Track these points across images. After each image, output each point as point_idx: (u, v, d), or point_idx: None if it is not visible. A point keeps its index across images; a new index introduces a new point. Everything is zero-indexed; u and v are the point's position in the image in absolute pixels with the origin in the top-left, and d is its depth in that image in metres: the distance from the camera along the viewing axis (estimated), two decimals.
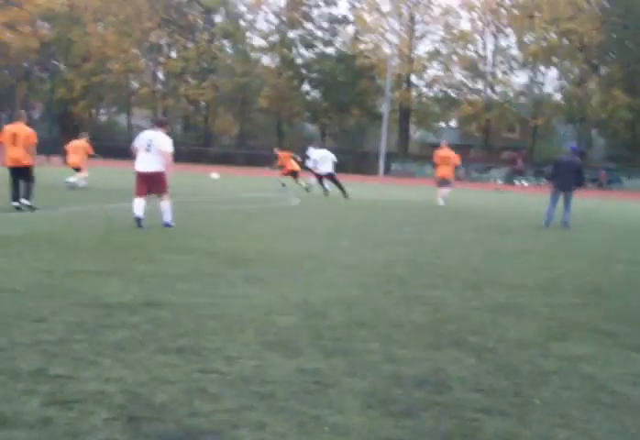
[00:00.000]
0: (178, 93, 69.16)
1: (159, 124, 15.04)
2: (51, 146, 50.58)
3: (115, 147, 68.80)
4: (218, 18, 72.10)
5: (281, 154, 33.96)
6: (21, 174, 16.65)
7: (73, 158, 25.52)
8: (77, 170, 25.33)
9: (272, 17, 70.21)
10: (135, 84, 72.38)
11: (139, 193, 14.03)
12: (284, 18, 68.18)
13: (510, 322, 7.38)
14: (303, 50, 69.16)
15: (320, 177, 28.44)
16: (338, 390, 4.95)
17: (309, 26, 68.52)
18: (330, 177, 27.87)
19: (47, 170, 31.35)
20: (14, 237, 11.35)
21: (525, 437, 4.37)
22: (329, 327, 6.70)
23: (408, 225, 18.08)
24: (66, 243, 11.05)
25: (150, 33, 68.39)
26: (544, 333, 6.98)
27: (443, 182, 26.50)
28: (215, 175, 32.99)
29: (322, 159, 28.17)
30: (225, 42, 72.33)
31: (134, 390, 4.72)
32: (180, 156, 64.07)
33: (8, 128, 17.04)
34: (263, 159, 64.10)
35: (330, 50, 68.35)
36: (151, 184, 14.18)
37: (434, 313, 7.59)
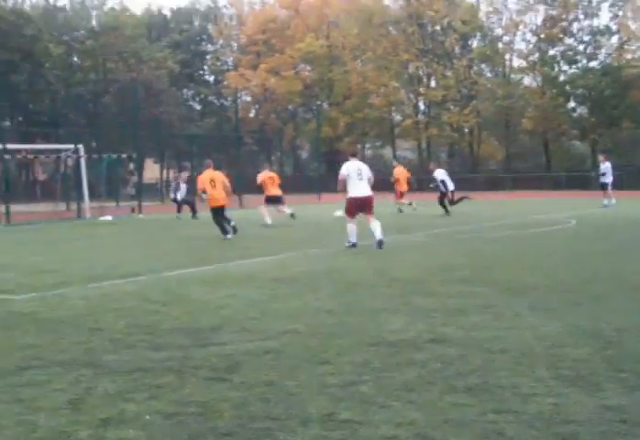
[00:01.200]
0: (441, 122, 69.25)
1: (354, 155, 17.26)
2: (319, 184, 51.81)
3: (382, 180, 69.90)
4: (475, 43, 71.84)
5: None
6: (222, 212, 19.33)
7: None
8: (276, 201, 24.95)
9: (530, 36, 69.05)
10: (397, 117, 73.24)
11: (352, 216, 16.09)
12: (543, 36, 66.74)
13: None
14: (565, 67, 67.33)
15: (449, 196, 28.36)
16: None
17: (570, 41, 66.70)
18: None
19: (319, 208, 32.08)
20: (291, 278, 11.49)
21: None
22: (628, 358, 6.20)
23: None
24: (344, 281, 11.05)
25: (409, 65, 69.13)
26: None
27: None
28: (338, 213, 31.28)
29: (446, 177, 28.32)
30: (483, 66, 71.89)
31: (427, 433, 4.51)
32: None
33: (205, 175, 19.45)
34: (531, 182, 62.86)
35: (594, 64, 66.12)
36: (364, 207, 16.09)
37: None
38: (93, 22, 71.96)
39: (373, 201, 16.25)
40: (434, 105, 70.55)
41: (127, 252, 16.82)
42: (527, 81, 71.01)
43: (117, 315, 8.55)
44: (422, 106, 73.80)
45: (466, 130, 69.47)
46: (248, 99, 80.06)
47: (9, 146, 31.80)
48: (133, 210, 32.82)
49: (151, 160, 67.63)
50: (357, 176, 15.99)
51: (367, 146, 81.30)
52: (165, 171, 69.23)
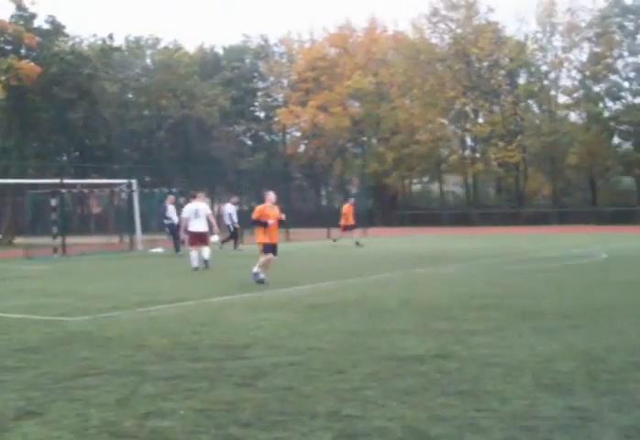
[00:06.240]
0: (487, 158, 69.82)
1: (194, 197, 22.22)
2: (368, 218, 52.60)
3: (428, 214, 70.76)
4: (521, 80, 72.46)
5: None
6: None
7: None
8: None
9: (575, 73, 69.61)
10: (444, 152, 73.95)
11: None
12: (588, 73, 67.30)
13: None
14: (609, 103, 67.75)
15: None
16: (600, 424, 5.37)
17: (614, 77, 67.16)
18: None
19: (367, 240, 33.05)
20: (325, 304, 12.42)
21: None
22: (606, 371, 7.04)
23: None
24: (370, 307, 11.96)
25: (455, 101, 69.85)
26: None
27: None
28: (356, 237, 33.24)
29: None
30: (529, 102, 72.39)
31: (413, 425, 5.42)
32: (493, 219, 64.77)
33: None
34: (577, 216, 63.20)
35: (639, 100, 66.43)
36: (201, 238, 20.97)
37: None
38: (148, 60, 73.99)
39: (207, 235, 21.25)
40: (480, 141, 71.19)
41: (175, 281, 17.88)
42: (573, 117, 71.42)
43: (162, 334, 9.58)
44: (468, 142, 74.46)
45: (512, 165, 69.83)
46: (298, 134, 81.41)
47: (66, 180, 33.22)
48: (184, 242, 33.85)
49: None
50: (194, 215, 21.01)
51: (414, 180, 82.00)
52: (216, 206, 70.59)
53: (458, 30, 71.23)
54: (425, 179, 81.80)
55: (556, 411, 5.73)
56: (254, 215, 16.21)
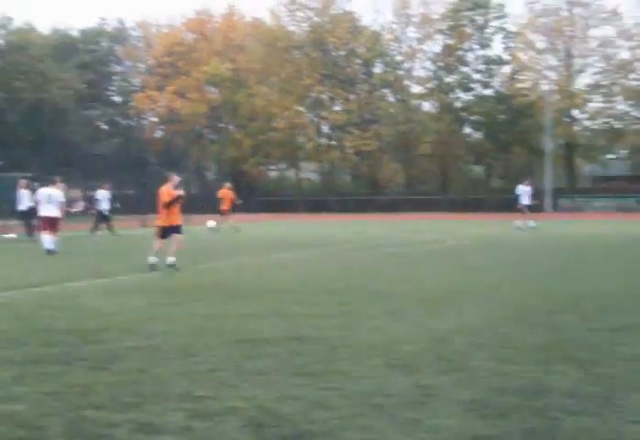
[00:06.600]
0: (343, 145, 70.75)
1: (53, 183, 21.72)
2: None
3: (285, 201, 71.28)
4: (377, 69, 73.52)
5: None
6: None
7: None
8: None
9: (429, 64, 71.27)
10: (300, 139, 74.35)
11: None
12: (441, 64, 69.04)
13: (625, 339, 7.84)
14: (461, 94, 69.63)
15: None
16: (444, 400, 5.66)
17: (465, 69, 69.05)
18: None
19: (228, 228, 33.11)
20: (181, 288, 12.48)
21: (600, 431, 4.95)
22: (450, 351, 7.38)
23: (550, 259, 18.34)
24: (226, 291, 12.08)
25: (312, 89, 70.36)
26: None
27: None
28: (211, 223, 33.60)
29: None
30: (385, 91, 73.58)
31: (264, 404, 5.58)
32: (348, 205, 65.75)
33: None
34: (429, 204, 64.83)
35: (488, 92, 68.52)
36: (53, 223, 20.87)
37: (552, 335, 8.14)
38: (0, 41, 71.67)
39: (58, 220, 21.15)
40: (336, 129, 72.02)
41: (30, 266, 17.52)
42: (426, 106, 73.08)
43: (15, 320, 9.45)
44: (325, 129, 75.18)
45: (367, 153, 70.90)
46: (155, 120, 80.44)
47: None
48: (36, 227, 33.15)
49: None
50: (47, 200, 20.99)
51: (272, 167, 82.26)
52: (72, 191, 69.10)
53: (316, 19, 71.83)
54: (282, 166, 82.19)
55: (402, 389, 5.99)
56: (165, 198, 16.16)
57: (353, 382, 6.21)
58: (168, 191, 16.21)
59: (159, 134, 79.43)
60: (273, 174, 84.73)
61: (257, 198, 67.29)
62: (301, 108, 73.69)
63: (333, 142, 73.62)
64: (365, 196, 70.30)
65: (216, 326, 8.81)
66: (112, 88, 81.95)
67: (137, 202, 43.48)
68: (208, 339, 8.03)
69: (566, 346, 7.56)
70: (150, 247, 16.06)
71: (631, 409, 5.39)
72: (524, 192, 34.47)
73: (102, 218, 31.57)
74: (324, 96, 72.35)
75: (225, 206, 34.20)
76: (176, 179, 16.56)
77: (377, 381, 6.23)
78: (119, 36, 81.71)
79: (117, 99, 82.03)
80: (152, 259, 15.82)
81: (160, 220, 16.31)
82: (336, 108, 72.79)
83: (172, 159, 73.25)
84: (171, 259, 15.72)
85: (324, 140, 74.23)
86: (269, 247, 22.70)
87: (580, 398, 5.67)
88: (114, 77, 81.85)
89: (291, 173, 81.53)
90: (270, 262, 17.92)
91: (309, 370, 6.61)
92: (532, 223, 33.05)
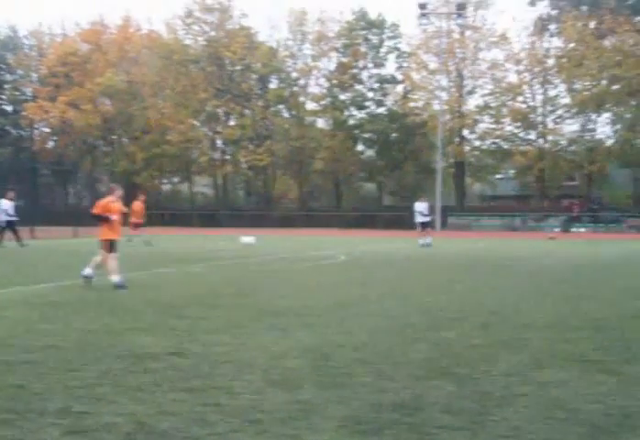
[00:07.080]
0: (237, 160, 70.79)
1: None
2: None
3: (179, 214, 70.83)
4: (272, 85, 73.78)
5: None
6: None
7: None
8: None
9: (324, 81, 71.86)
10: (194, 153, 74.06)
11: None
12: (335, 82, 69.72)
13: (503, 355, 8.04)
14: (355, 111, 70.43)
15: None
16: (321, 416, 5.72)
17: (360, 87, 69.92)
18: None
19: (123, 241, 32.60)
20: (64, 302, 12.27)
21: None
22: (332, 366, 7.45)
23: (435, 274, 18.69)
24: (110, 306, 11.93)
25: (207, 103, 70.20)
26: (531, 363, 7.64)
27: None
28: (247, 239, 33.79)
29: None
30: (280, 107, 73.88)
31: (142, 420, 5.55)
32: (242, 220, 65.70)
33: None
34: (323, 220, 65.31)
35: (381, 110, 69.48)
36: None
37: (434, 350, 8.29)
38: None
39: None
40: (230, 144, 71.96)
41: None
42: (320, 123, 73.64)
43: None
44: (219, 144, 75.03)
45: (261, 168, 71.07)
46: (47, 130, 79.04)
47: None
48: None
49: None
50: None
51: (164, 181, 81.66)
52: None
53: (212, 33, 71.89)
54: (176, 179, 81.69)
55: (281, 404, 6.03)
56: (95, 210, 15.42)
57: (231, 398, 6.23)
58: (103, 203, 15.59)
59: (50, 144, 78.03)
60: (167, 188, 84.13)
61: (150, 211, 66.54)
62: (195, 122, 73.52)
63: (227, 156, 73.66)
64: (259, 211, 70.42)
65: (98, 341, 8.70)
66: (3, 97, 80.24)
67: (27, 213, 42.47)
68: (89, 354, 7.94)
69: (445, 361, 7.71)
70: (109, 267, 15.15)
71: (503, 424, 5.54)
72: (420, 208, 34.90)
73: (7, 228, 31.03)
74: (219, 111, 72.25)
75: (138, 219, 33.73)
76: (119, 192, 16.00)
77: (255, 397, 6.26)
78: (11, 43, 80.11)
79: (8, 108, 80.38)
80: (115, 278, 15.03)
81: (109, 233, 15.39)
82: (231, 123, 72.81)
83: (63, 170, 71.98)
84: (114, 277, 15.10)
85: (218, 155, 74.12)
86: (158, 261, 22.50)
87: (455, 413, 5.81)
88: (5, 85, 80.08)
89: (184, 187, 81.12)
90: (156, 276, 17.77)
91: (189, 386, 6.60)
92: (427, 240, 33.55)
